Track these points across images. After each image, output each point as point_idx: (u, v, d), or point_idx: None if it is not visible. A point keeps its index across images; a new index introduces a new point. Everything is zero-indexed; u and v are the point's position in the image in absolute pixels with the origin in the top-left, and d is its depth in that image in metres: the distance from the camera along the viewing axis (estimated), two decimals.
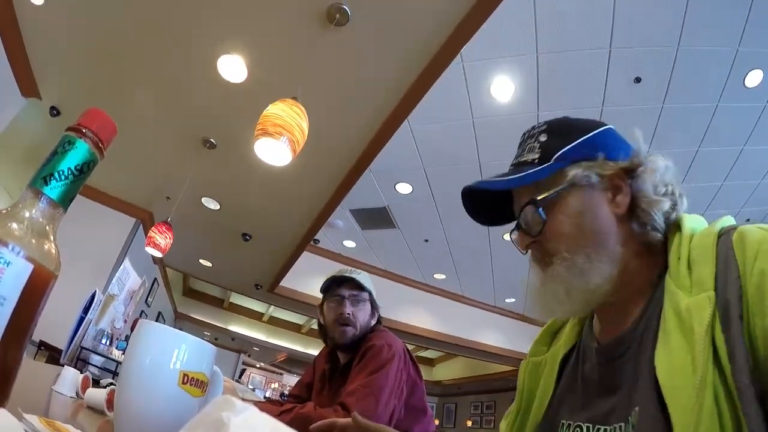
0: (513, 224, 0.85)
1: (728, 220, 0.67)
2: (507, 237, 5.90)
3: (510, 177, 0.75)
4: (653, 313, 0.66)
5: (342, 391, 1.56)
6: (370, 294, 1.75)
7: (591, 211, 0.73)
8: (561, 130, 0.78)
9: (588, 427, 0.69)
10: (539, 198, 0.73)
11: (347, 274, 1.74)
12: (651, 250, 0.72)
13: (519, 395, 0.88)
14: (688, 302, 0.58)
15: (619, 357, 0.70)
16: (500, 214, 0.86)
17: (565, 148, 0.75)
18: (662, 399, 0.56)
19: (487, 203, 0.85)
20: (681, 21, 3.21)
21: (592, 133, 0.77)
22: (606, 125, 0.79)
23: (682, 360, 0.55)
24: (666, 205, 0.72)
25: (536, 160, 0.76)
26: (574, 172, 0.73)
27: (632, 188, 0.73)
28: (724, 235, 0.62)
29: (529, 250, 0.79)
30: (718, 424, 0.49)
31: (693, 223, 0.70)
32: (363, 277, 1.77)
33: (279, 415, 1.41)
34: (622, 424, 0.63)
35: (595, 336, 0.78)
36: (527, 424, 0.84)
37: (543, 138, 0.78)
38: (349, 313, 1.67)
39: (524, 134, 0.83)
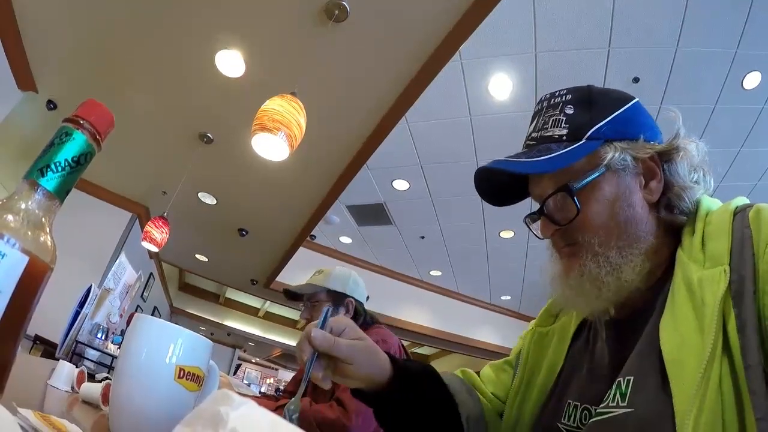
0: (512, 207, 0.81)
1: (743, 199, 0.64)
2: (504, 235, 5.92)
3: (539, 159, 0.66)
4: (663, 288, 0.64)
5: (337, 386, 1.57)
6: (328, 291, 1.74)
7: (625, 199, 0.66)
8: (589, 102, 0.70)
9: (596, 410, 0.64)
10: (575, 186, 0.66)
11: (292, 288, 1.79)
12: (671, 229, 0.68)
13: (522, 367, 0.82)
14: (701, 275, 0.56)
15: (630, 333, 0.66)
16: (510, 192, 0.78)
17: (598, 125, 0.68)
18: (664, 372, 0.54)
19: (497, 180, 0.76)
20: (680, 22, 3.21)
21: (623, 108, 0.70)
22: (634, 98, 0.72)
23: (689, 333, 0.54)
24: (699, 192, 0.68)
25: (564, 137, 0.68)
26: (610, 154, 0.66)
27: (666, 173, 0.68)
28: (740, 212, 0.60)
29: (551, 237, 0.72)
30: (720, 401, 0.48)
31: (709, 202, 0.67)
32: (320, 277, 1.78)
33: (275, 410, 1.41)
34: (618, 399, 0.59)
35: (609, 311, 0.73)
36: (530, 398, 0.78)
37: (569, 110, 0.70)
38: (306, 318, 1.73)
39: (542, 101, 0.74)
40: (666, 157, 0.69)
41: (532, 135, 0.73)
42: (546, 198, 0.69)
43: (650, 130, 0.70)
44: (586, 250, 0.67)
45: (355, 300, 1.75)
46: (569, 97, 0.71)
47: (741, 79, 3.65)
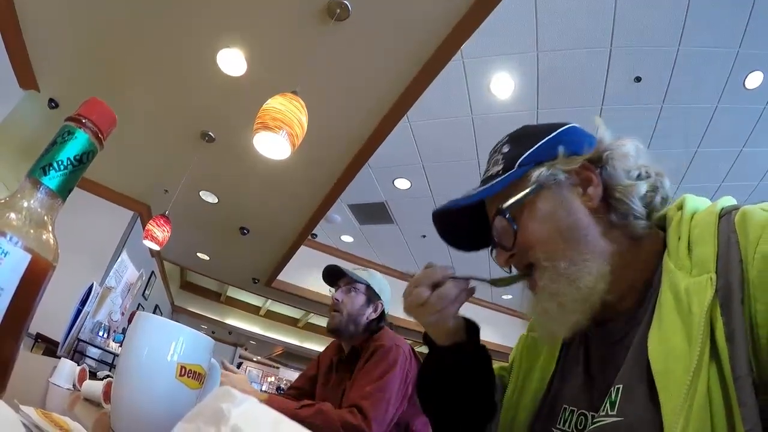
0: None
1: (729, 200, 0.63)
2: None
3: (474, 192, 0.72)
4: (652, 294, 0.63)
5: (346, 383, 1.66)
6: (369, 287, 1.80)
7: (563, 210, 0.68)
8: (522, 138, 0.76)
9: (592, 416, 0.64)
10: (505, 206, 0.70)
11: (343, 268, 1.84)
12: (648, 235, 0.68)
13: (516, 372, 0.84)
14: (688, 283, 0.55)
15: (619, 340, 0.66)
16: (482, 239, 0.83)
17: (527, 153, 0.72)
18: (652, 381, 0.54)
19: (466, 229, 0.82)
20: (682, 21, 3.21)
21: (554, 133, 0.73)
22: (569, 124, 0.76)
23: (676, 342, 0.53)
24: (643, 188, 0.67)
25: (500, 171, 0.73)
26: (537, 172, 0.70)
27: (603, 178, 0.69)
28: (725, 215, 0.59)
29: (512, 266, 0.76)
30: (709, 412, 0.48)
31: (695, 202, 0.66)
32: (365, 273, 1.85)
33: (299, 409, 1.48)
34: (608, 408, 0.59)
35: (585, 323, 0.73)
36: (524, 403, 0.79)
37: (505, 149, 0.75)
38: (337, 300, 1.77)
39: (490, 151, 0.81)
40: (598, 162, 0.70)
41: (481, 180, 0.79)
42: (491, 227, 0.74)
43: (578, 145, 0.72)
44: (538, 270, 0.69)
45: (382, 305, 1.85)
46: (507, 138, 0.78)
47: (743, 78, 3.64)
